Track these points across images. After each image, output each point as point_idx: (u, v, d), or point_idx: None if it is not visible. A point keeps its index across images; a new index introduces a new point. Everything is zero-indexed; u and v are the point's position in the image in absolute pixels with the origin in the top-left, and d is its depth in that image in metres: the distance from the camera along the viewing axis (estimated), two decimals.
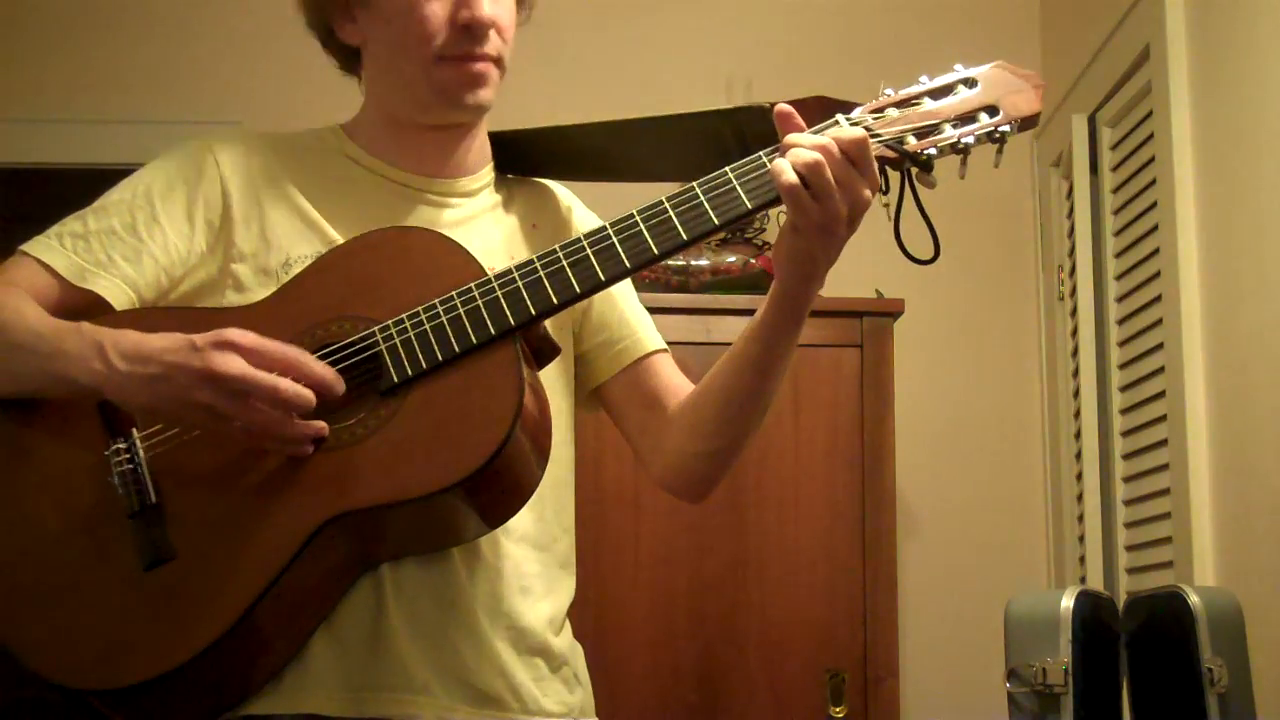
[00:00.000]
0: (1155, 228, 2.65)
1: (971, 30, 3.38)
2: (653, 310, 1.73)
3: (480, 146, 1.63)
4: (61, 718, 1.48)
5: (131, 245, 1.49)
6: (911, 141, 1.39)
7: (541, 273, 1.40)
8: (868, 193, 1.35)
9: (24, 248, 1.50)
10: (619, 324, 1.65)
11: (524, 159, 1.67)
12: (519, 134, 1.65)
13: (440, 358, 1.38)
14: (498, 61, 1.53)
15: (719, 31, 3.41)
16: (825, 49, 3.39)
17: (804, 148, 1.33)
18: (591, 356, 1.64)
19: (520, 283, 1.40)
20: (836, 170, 1.33)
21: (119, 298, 1.47)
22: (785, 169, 1.33)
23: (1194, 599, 1.83)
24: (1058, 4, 3.36)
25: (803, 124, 1.38)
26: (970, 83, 1.42)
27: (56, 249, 1.49)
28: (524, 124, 1.66)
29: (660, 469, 1.62)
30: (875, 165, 1.36)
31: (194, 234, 1.51)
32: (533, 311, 1.39)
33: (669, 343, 1.70)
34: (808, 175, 1.32)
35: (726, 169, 1.40)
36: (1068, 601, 1.88)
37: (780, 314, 1.46)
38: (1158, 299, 2.63)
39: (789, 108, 1.38)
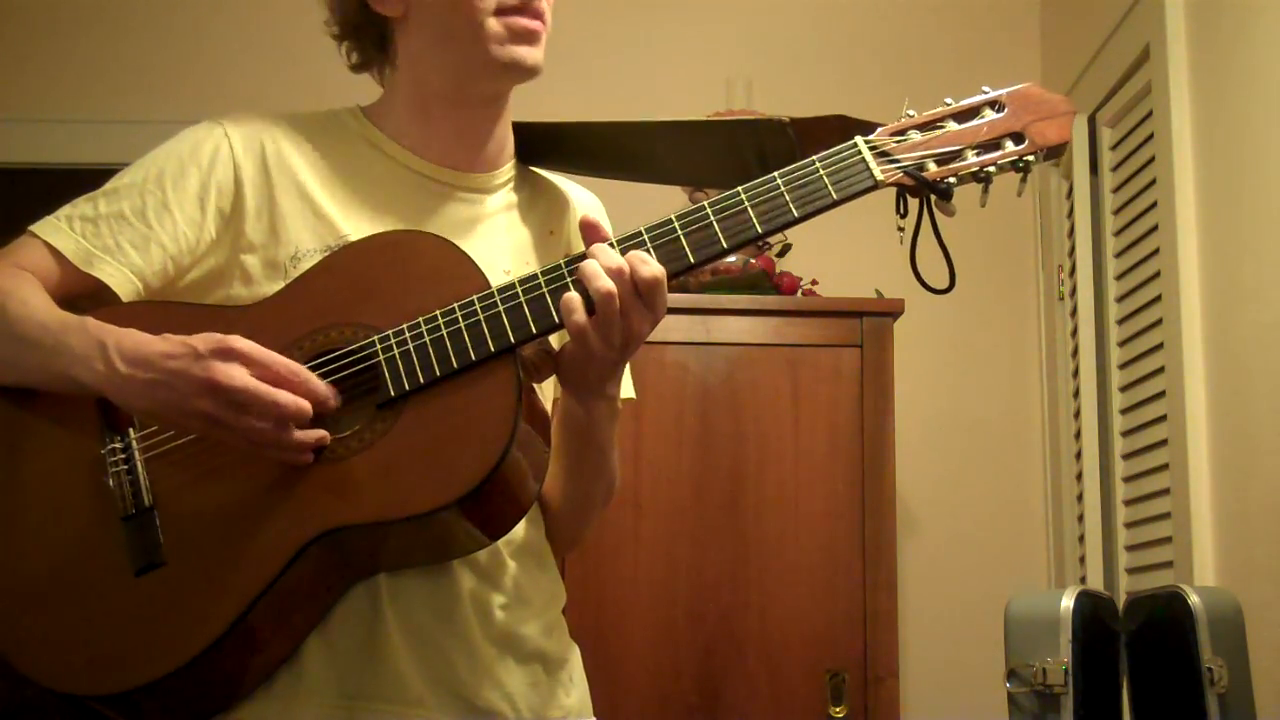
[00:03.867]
0: (1155, 228, 2.65)
1: (972, 30, 3.39)
2: None
3: (504, 138, 1.61)
4: (63, 718, 1.47)
5: (140, 232, 1.48)
6: (932, 168, 1.36)
7: (545, 289, 1.37)
8: (648, 329, 1.36)
9: (33, 228, 1.49)
10: None
11: (546, 151, 1.65)
12: (542, 126, 1.64)
13: (438, 373, 1.36)
14: (546, 26, 1.52)
15: (719, 31, 3.41)
16: (825, 50, 3.39)
17: (602, 275, 1.34)
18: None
19: (522, 298, 1.37)
20: (625, 303, 1.34)
21: (123, 286, 1.46)
22: (576, 307, 1.34)
23: (1194, 599, 1.83)
24: (1058, 4, 3.36)
25: (607, 234, 1.38)
26: (997, 105, 1.38)
27: (65, 232, 1.47)
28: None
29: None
30: (665, 302, 1.36)
31: (205, 222, 1.50)
32: (533, 330, 1.37)
33: (669, 342, 1.69)
34: (597, 304, 1.33)
35: (740, 189, 1.39)
36: (1068, 601, 1.88)
37: (566, 425, 1.49)
38: (1158, 299, 2.63)
39: (594, 219, 1.38)
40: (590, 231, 1.38)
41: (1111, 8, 2.86)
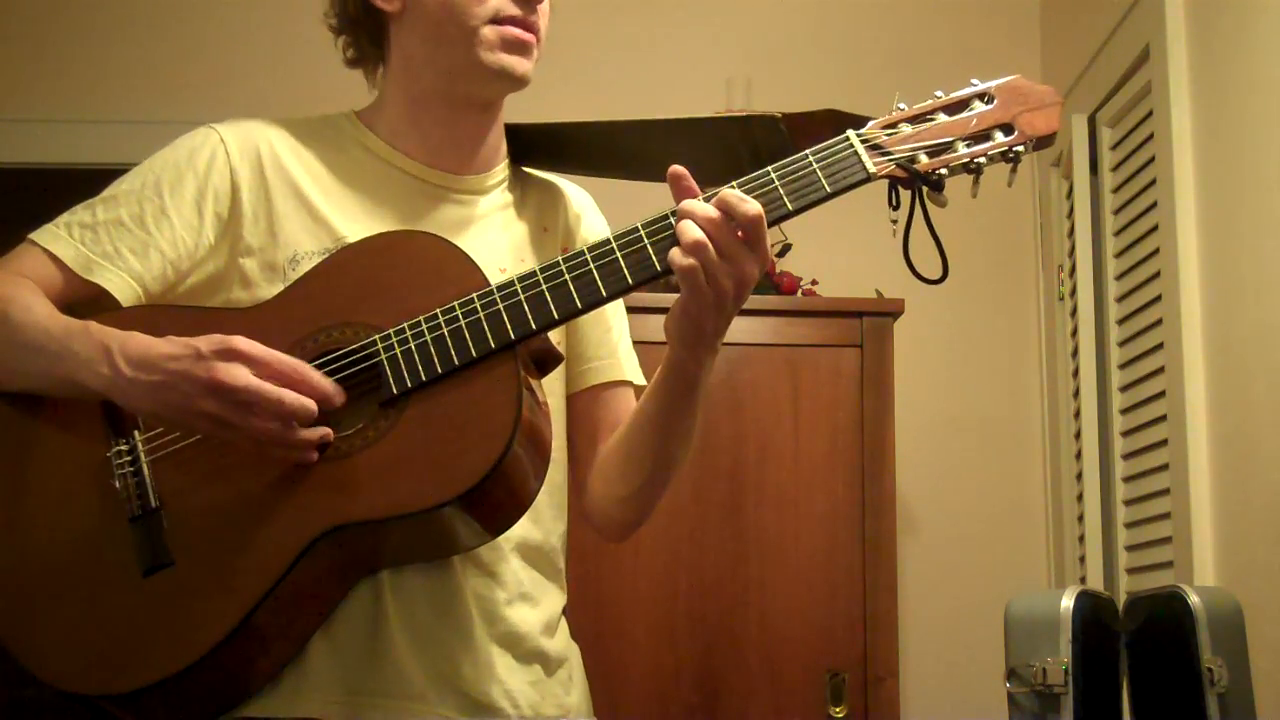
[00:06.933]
0: (1155, 228, 2.65)
1: (971, 30, 3.39)
2: (653, 310, 1.73)
3: (497, 141, 1.62)
4: (65, 717, 1.48)
5: (139, 238, 1.49)
6: (923, 160, 1.37)
7: (544, 285, 1.38)
8: (756, 270, 1.34)
9: (32, 236, 1.50)
10: (598, 343, 1.64)
11: (538, 151, 1.66)
12: (534, 126, 1.65)
13: (440, 370, 1.37)
14: (539, 41, 1.54)
15: (719, 31, 3.41)
16: (825, 49, 3.40)
17: (696, 223, 1.32)
18: (565, 365, 1.62)
19: (521, 295, 1.38)
20: (727, 247, 1.32)
21: (124, 292, 1.47)
22: (680, 253, 1.32)
23: (1194, 599, 1.83)
24: (1058, 4, 3.36)
25: (695, 188, 1.36)
26: (986, 98, 1.39)
27: (64, 239, 1.48)
28: (524, 121, 1.66)
29: (585, 505, 1.62)
30: (768, 242, 1.34)
31: (202, 227, 1.50)
32: (533, 325, 1.38)
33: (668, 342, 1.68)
34: (696, 254, 1.32)
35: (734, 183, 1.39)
36: (1068, 601, 1.88)
37: (673, 381, 1.46)
38: (1158, 299, 2.63)
39: (681, 169, 1.36)
40: (676, 183, 1.36)
41: (1111, 8, 2.86)
